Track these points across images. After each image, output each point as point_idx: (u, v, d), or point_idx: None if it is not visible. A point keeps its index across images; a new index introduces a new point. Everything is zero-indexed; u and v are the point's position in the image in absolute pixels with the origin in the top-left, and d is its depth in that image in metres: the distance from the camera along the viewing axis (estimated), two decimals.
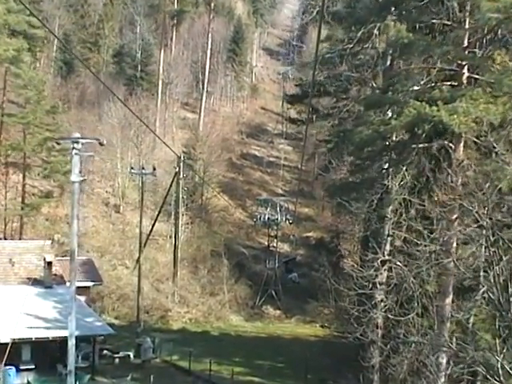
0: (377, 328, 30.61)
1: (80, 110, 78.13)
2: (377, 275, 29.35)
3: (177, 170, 58.58)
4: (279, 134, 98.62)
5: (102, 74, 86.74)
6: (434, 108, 23.53)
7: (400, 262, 28.27)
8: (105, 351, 44.37)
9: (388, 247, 31.56)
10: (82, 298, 47.41)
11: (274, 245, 65.59)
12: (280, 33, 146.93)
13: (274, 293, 62.80)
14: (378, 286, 29.63)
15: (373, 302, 30.01)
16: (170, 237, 63.53)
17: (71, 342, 26.26)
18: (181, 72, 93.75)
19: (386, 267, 29.29)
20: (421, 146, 26.59)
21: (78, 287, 48.84)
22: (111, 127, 70.06)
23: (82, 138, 27.28)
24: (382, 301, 29.87)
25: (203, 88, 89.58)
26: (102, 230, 64.16)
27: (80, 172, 28.28)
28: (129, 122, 68.41)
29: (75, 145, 26.43)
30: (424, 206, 25.99)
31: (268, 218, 63.96)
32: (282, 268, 67.06)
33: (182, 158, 59.11)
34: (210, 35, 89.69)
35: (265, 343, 53.01)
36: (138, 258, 48.48)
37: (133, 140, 68.30)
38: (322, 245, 69.57)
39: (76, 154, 26.68)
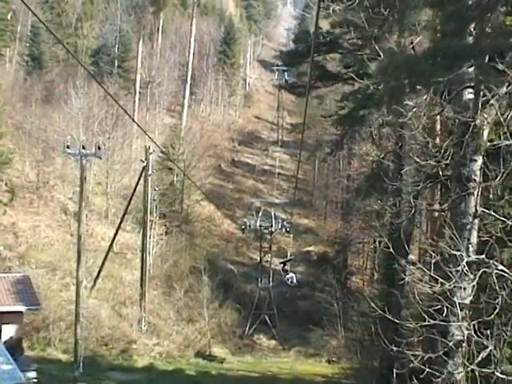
0: None
1: (45, 106, 63.91)
2: (453, 289, 14.24)
3: (145, 164, 43.90)
4: (274, 141, 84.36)
5: (80, 74, 72.75)
6: None
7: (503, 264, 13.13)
8: None
9: (475, 237, 16.06)
10: (13, 328, 33.95)
11: (268, 259, 50.62)
12: (275, 46, 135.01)
13: (267, 318, 47.82)
14: (458, 308, 14.26)
15: (450, 343, 14.71)
16: (141, 251, 48.51)
17: None
18: (167, 75, 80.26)
19: (473, 274, 14.24)
20: None
21: (7, 312, 35.51)
22: (76, 124, 55.50)
23: None
24: (467, 340, 14.44)
25: (186, 82, 75.07)
26: (56, 242, 49.23)
27: None
28: (93, 114, 53.70)
29: None
30: None
31: (260, 226, 48.90)
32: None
33: (151, 150, 44.13)
34: (193, 28, 75.30)
35: None
36: (77, 272, 33.60)
37: (99, 135, 53.46)
38: (325, 260, 56.67)
39: None
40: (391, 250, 16.29)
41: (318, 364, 43.72)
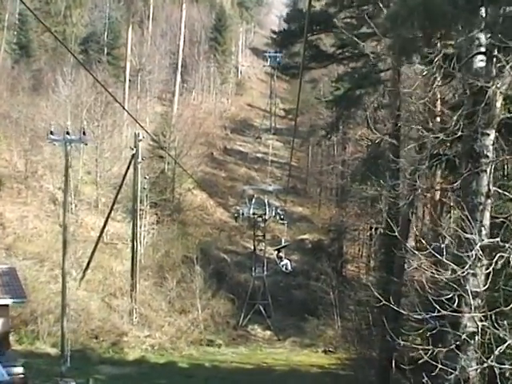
0: None
1: (33, 95, 62.06)
2: (466, 276, 12.80)
3: (134, 151, 42.33)
4: (267, 129, 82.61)
5: (68, 62, 70.87)
6: None
7: None
8: None
9: (487, 219, 14.55)
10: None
11: (262, 248, 49.06)
12: (267, 34, 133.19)
13: (262, 308, 46.35)
14: (471, 297, 12.82)
15: (463, 335, 13.28)
16: (132, 240, 46.91)
17: None
18: (157, 63, 78.35)
19: (486, 259, 12.80)
20: None
21: None
22: (63, 112, 53.83)
23: None
24: (481, 331, 13.02)
25: (177, 70, 73.35)
26: (44, 233, 47.57)
27: None
28: (81, 102, 52.01)
29: None
30: None
31: (253, 214, 47.31)
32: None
33: (140, 137, 42.50)
34: (184, 15, 73.61)
35: (251, 378, 36.55)
36: (63, 262, 31.98)
37: (88, 123, 51.68)
38: (320, 248, 54.91)
39: None
40: (395, 233, 14.75)
41: (314, 354, 42.16)
